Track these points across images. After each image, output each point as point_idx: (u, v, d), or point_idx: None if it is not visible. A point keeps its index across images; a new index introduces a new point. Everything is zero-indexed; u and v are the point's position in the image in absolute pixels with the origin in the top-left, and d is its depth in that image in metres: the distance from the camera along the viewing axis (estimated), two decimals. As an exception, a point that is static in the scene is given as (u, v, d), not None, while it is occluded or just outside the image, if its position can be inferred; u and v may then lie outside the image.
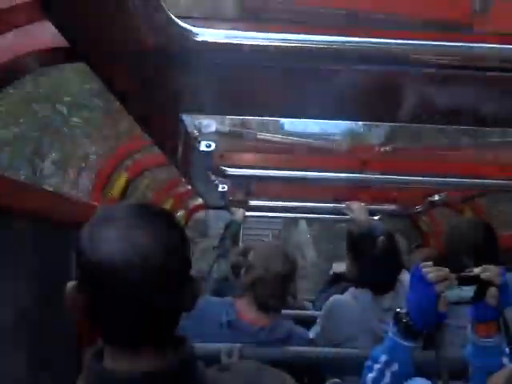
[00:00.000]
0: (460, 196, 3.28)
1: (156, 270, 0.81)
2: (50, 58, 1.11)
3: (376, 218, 3.77)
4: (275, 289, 1.98)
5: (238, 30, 0.88)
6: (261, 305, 1.99)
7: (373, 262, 2.14)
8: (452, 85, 1.11)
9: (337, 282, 2.91)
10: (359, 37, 0.91)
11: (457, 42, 0.93)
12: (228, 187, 2.99)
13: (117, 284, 0.80)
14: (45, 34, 1.05)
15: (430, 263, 1.41)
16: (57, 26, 0.84)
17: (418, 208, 3.44)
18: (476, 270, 1.41)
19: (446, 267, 1.40)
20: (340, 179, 2.45)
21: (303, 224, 16.69)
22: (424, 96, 1.23)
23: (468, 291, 1.39)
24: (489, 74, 0.95)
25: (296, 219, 12.58)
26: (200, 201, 4.06)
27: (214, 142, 2.00)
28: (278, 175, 2.49)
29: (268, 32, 0.90)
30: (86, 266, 0.82)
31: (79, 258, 0.83)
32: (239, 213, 3.75)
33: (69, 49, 0.99)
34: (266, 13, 1.03)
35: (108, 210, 0.89)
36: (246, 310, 2.00)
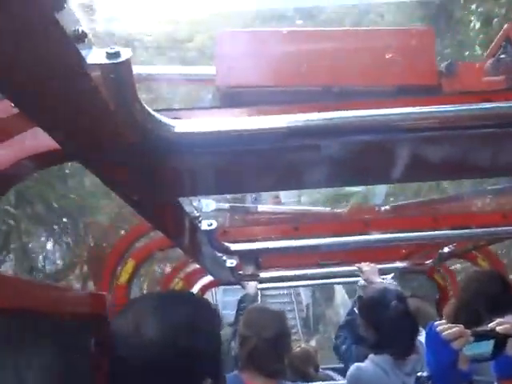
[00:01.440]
0: (471, 245, 3.25)
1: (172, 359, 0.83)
2: (45, 161, 1.16)
3: (389, 276, 3.72)
4: (274, 354, 1.97)
5: (216, 116, 0.92)
6: (266, 372, 1.97)
7: (388, 328, 2.10)
8: (433, 143, 1.15)
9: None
10: (337, 110, 0.95)
11: (428, 105, 0.97)
12: (237, 262, 2.99)
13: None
14: (37, 139, 1.11)
15: (444, 321, 1.38)
16: (48, 133, 0.89)
17: (430, 262, 3.39)
18: (491, 325, 1.38)
19: (462, 320, 1.38)
20: (345, 243, 2.45)
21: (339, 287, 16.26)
22: (411, 156, 1.26)
23: (487, 346, 1.35)
24: (464, 131, 0.98)
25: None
26: (211, 278, 4.04)
27: (216, 220, 2.03)
28: (283, 246, 2.50)
29: (246, 115, 0.95)
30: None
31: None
32: (252, 286, 3.71)
33: (61, 151, 1.05)
34: (242, 97, 1.08)
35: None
36: (253, 380, 1.98)
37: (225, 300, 15.01)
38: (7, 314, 1.41)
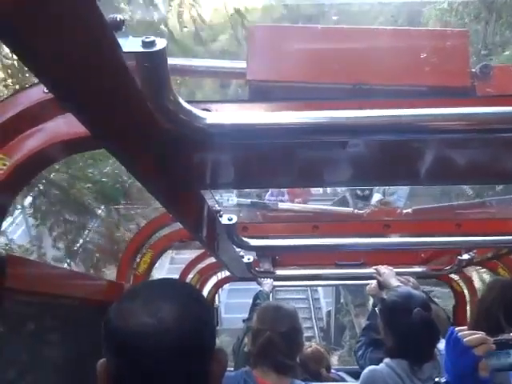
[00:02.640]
0: (491, 253, 3.21)
1: (177, 341, 0.83)
2: (75, 147, 1.17)
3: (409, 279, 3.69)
4: (287, 348, 1.97)
5: (245, 110, 0.92)
6: (278, 368, 1.96)
7: (409, 334, 2.08)
8: (463, 146, 1.13)
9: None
10: (367, 109, 0.94)
11: (462, 107, 0.96)
12: (254, 258, 2.99)
13: (140, 354, 0.82)
14: (69, 125, 1.13)
15: (465, 327, 1.36)
16: (79, 119, 0.90)
17: (449, 268, 3.35)
18: None
19: (482, 330, 1.35)
20: (364, 244, 2.43)
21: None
22: (438, 158, 1.25)
23: (508, 356, 1.33)
24: (497, 135, 0.97)
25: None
26: (227, 273, 4.05)
27: (236, 214, 2.03)
28: (301, 244, 2.49)
29: (274, 110, 0.95)
30: (112, 338, 0.85)
31: (107, 331, 0.86)
32: (267, 283, 3.71)
33: (91, 138, 1.06)
34: (271, 92, 1.08)
35: (134, 288, 0.93)
36: (265, 376, 1.97)
37: (229, 302, 14.19)
38: (30, 297, 1.44)
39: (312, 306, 16.33)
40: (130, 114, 0.92)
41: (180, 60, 1.15)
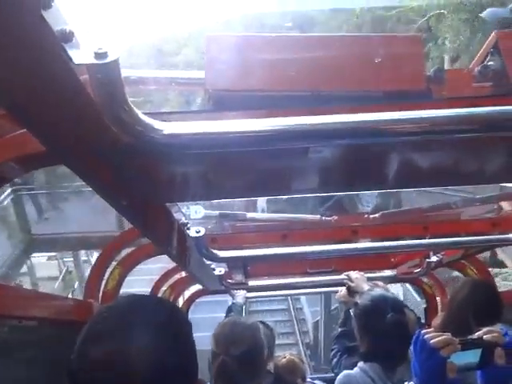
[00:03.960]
0: (459, 254, 3.26)
1: (152, 370, 0.81)
2: (31, 163, 1.15)
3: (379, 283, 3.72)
4: (244, 371, 1.87)
5: (205, 119, 0.92)
6: None
7: (383, 338, 2.09)
8: (422, 149, 1.15)
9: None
10: (326, 115, 0.95)
11: (418, 110, 0.97)
12: (225, 270, 2.97)
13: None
14: (25, 141, 1.10)
15: (432, 329, 1.37)
16: (34, 134, 0.88)
17: (418, 271, 3.40)
18: (479, 333, 1.37)
19: (451, 330, 1.37)
20: (334, 250, 2.44)
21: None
22: (399, 162, 1.26)
23: (474, 355, 1.34)
24: (454, 136, 0.99)
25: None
26: (199, 286, 4.01)
27: (204, 226, 2.01)
28: (271, 253, 2.49)
29: (234, 119, 0.95)
30: (77, 367, 0.82)
31: (73, 359, 0.83)
32: (240, 295, 3.69)
33: (47, 153, 1.03)
34: (230, 101, 1.08)
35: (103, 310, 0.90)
36: None
37: (194, 318, 12.33)
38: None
39: (294, 318, 14.33)
40: (85, 127, 0.90)
41: (137, 71, 1.14)
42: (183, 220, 1.89)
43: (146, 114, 0.89)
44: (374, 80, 1.11)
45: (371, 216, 2.68)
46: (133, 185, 1.15)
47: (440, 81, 1.11)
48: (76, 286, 14.27)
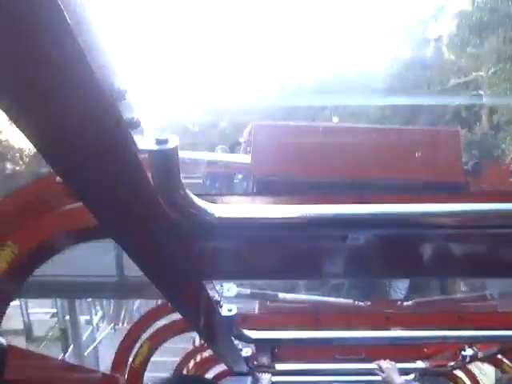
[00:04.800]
0: (496, 348, 3.13)
1: None
2: (83, 236, 1.20)
3: (410, 377, 3.56)
4: None
5: (249, 203, 0.96)
6: None
7: None
8: (458, 240, 1.17)
9: None
10: (365, 203, 0.99)
11: (455, 202, 1.00)
12: (252, 351, 2.91)
13: None
14: (78, 215, 1.16)
15: None
16: (89, 209, 0.94)
17: (451, 364, 3.26)
18: None
19: None
20: (366, 338, 2.39)
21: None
22: (436, 252, 1.27)
23: None
24: (492, 230, 1.01)
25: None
26: (223, 367, 3.92)
27: (236, 305, 2.01)
28: (303, 337, 2.44)
29: (277, 204, 0.99)
30: None
31: None
32: (266, 379, 3.58)
33: (98, 227, 1.09)
34: (274, 186, 1.13)
35: None
36: None
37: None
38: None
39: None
40: (139, 206, 0.96)
41: (189, 153, 1.22)
42: (216, 297, 1.90)
43: (197, 195, 0.95)
44: (414, 171, 1.15)
45: (404, 303, 2.63)
46: (175, 261, 1.19)
47: (478, 174, 1.14)
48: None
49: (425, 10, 23.12)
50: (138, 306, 11.26)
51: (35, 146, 0.74)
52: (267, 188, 1.24)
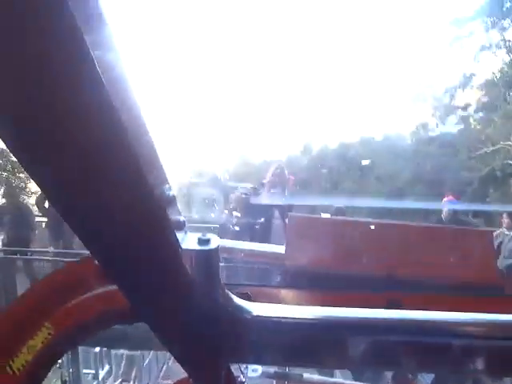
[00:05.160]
0: None
1: None
2: (117, 319, 1.23)
3: None
4: None
5: (284, 297, 0.98)
6: None
7: None
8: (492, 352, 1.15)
9: None
10: (398, 303, 0.99)
11: (489, 306, 1.00)
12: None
13: None
14: (112, 297, 1.19)
15: None
16: (126, 297, 0.96)
17: None
18: None
19: None
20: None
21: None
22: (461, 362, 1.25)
23: None
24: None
25: None
26: None
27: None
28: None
29: (312, 298, 1.01)
30: None
31: None
32: None
33: (132, 312, 1.11)
34: (308, 278, 1.15)
35: None
36: None
37: None
38: None
39: None
40: (176, 298, 0.98)
41: (225, 241, 1.25)
42: (241, 378, 1.88)
43: (229, 285, 0.97)
44: (445, 269, 1.16)
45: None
46: (207, 348, 1.20)
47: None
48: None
49: (452, 79, 23.52)
50: (149, 363, 11.00)
51: (78, 235, 0.77)
52: (301, 279, 1.26)
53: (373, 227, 1.23)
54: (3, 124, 0.52)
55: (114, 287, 1.17)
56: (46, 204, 7.23)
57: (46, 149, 0.57)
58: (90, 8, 0.47)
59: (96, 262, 1.24)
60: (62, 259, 7.34)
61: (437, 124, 22.67)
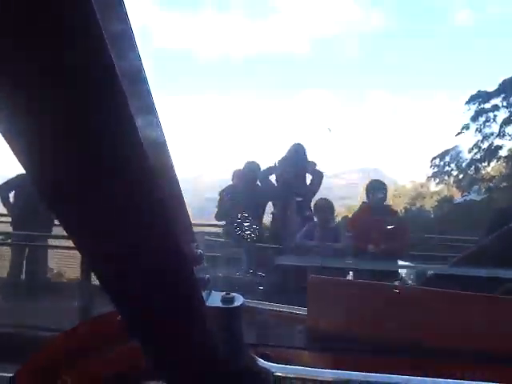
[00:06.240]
0: None
1: None
2: (135, 377, 1.22)
3: None
4: None
5: (304, 359, 0.97)
6: None
7: None
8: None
9: None
10: (422, 371, 0.98)
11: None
12: None
13: None
14: (133, 356, 1.19)
15: None
16: (146, 355, 0.96)
17: None
18: None
19: None
20: None
21: None
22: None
23: None
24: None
25: None
26: None
27: None
28: None
29: (333, 362, 1.00)
30: None
31: None
32: None
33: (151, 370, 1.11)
34: (330, 341, 1.14)
35: None
36: None
37: None
38: None
39: None
40: (197, 355, 0.98)
41: (249, 301, 1.25)
42: None
43: (250, 345, 0.96)
44: (472, 338, 1.13)
45: None
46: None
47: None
48: None
49: (476, 152, 23.54)
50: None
51: (105, 290, 0.78)
52: (323, 343, 1.24)
53: (397, 291, 1.22)
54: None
55: (137, 344, 1.17)
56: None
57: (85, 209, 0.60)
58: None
59: (120, 317, 1.25)
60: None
61: (461, 195, 22.58)
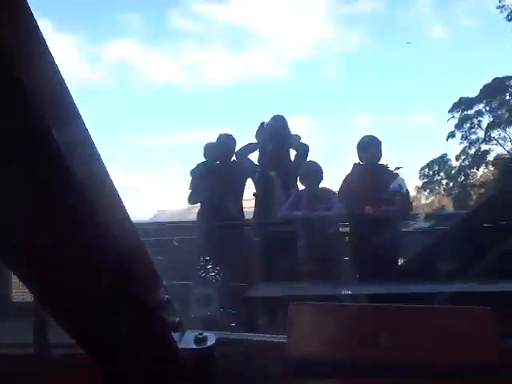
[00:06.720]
0: None
1: None
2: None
3: None
4: None
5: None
6: None
7: None
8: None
9: None
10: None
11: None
12: None
13: None
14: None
15: None
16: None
17: None
18: None
19: None
20: None
21: None
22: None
23: None
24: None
25: None
26: None
27: None
28: None
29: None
30: None
31: None
32: None
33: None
34: (311, 367, 1.16)
35: None
36: None
37: None
38: None
39: None
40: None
41: (226, 334, 1.28)
42: None
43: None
44: (445, 352, 1.17)
45: None
46: None
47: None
48: None
49: (464, 159, 23.54)
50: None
51: (76, 340, 0.81)
52: (304, 368, 1.24)
53: (377, 312, 1.25)
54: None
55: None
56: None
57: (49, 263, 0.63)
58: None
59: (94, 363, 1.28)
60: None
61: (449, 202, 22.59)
